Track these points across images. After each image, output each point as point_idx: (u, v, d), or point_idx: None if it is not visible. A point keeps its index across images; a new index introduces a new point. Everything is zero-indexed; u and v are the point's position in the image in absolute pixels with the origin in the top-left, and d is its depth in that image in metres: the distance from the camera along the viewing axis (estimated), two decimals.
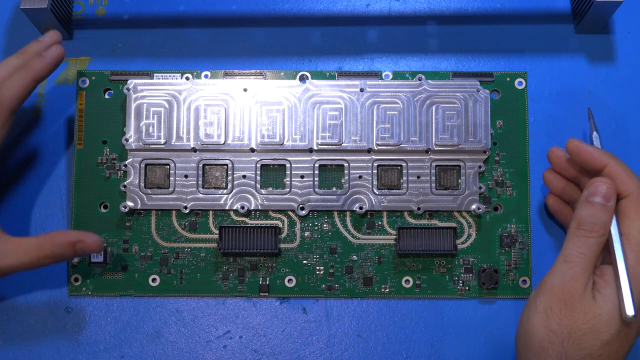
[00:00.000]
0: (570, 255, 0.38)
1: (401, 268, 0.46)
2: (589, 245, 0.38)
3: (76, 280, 0.46)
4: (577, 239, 0.39)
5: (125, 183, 0.46)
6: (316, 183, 0.46)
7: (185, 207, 0.46)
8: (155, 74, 0.47)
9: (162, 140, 0.46)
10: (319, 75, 0.47)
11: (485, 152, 0.46)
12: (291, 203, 0.46)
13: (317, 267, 0.46)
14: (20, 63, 0.43)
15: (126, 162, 0.46)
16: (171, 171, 0.46)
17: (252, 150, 0.46)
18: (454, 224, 0.46)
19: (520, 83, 0.47)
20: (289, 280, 0.46)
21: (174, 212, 0.46)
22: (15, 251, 0.41)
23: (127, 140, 0.46)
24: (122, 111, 0.47)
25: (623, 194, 0.39)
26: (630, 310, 0.36)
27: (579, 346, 0.37)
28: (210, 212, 0.46)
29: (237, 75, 0.47)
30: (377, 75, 0.47)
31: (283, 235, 0.46)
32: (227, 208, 0.46)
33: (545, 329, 0.37)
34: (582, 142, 0.41)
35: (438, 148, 0.46)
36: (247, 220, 0.46)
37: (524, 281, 0.46)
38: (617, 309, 0.37)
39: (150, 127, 0.46)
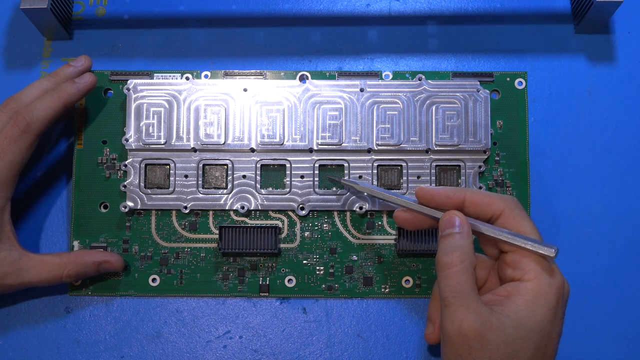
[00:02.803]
0: (447, 298, 0.36)
1: (401, 268, 0.46)
2: (456, 279, 0.36)
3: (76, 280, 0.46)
4: (444, 278, 0.36)
5: (125, 183, 0.46)
6: (316, 183, 0.46)
7: (185, 207, 0.46)
8: (155, 74, 0.47)
9: (162, 140, 0.46)
10: (319, 75, 0.47)
11: (485, 152, 0.46)
12: (291, 203, 0.46)
13: (317, 267, 0.46)
14: (51, 86, 0.44)
15: (126, 162, 0.46)
16: (171, 171, 0.46)
17: (252, 150, 0.46)
18: None
19: (520, 83, 0.47)
20: (289, 280, 0.46)
21: (174, 212, 0.46)
22: (37, 268, 0.43)
23: (127, 140, 0.46)
24: (122, 111, 0.47)
25: (495, 214, 0.38)
26: (551, 250, 0.36)
27: None
28: (210, 212, 0.46)
29: (237, 75, 0.47)
30: (377, 75, 0.47)
31: (283, 235, 0.46)
32: (227, 208, 0.46)
33: None
34: (431, 187, 0.40)
35: (438, 148, 0.46)
36: (247, 220, 0.46)
37: None
38: (522, 327, 0.35)
39: (150, 127, 0.46)
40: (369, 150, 0.46)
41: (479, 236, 0.39)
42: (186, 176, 0.46)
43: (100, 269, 0.45)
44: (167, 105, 0.46)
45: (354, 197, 0.46)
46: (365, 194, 0.45)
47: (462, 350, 0.35)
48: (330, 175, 0.46)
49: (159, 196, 0.46)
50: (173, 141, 0.46)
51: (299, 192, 0.46)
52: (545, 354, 0.36)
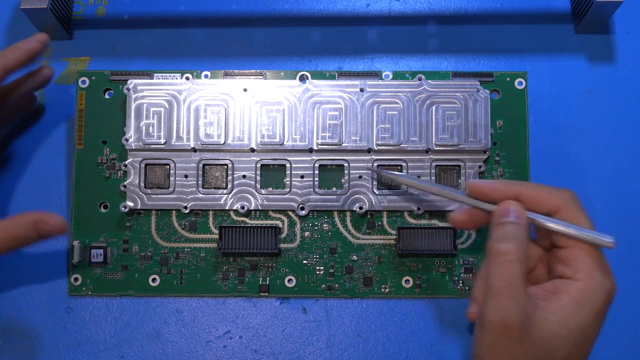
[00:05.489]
0: (496, 287, 0.35)
1: (401, 268, 0.46)
2: (510, 269, 0.35)
3: (76, 280, 0.46)
4: (497, 266, 0.35)
5: (125, 183, 0.46)
6: (316, 183, 0.46)
7: (185, 207, 0.46)
8: (155, 74, 0.47)
9: (162, 140, 0.46)
10: (319, 75, 0.47)
11: (485, 152, 0.46)
12: (291, 203, 0.46)
13: (317, 267, 0.46)
14: None
15: (126, 162, 0.46)
16: (171, 171, 0.46)
17: (252, 150, 0.46)
18: None
19: (520, 83, 0.47)
20: (289, 280, 0.46)
21: (174, 212, 0.46)
22: None
23: (127, 140, 0.46)
24: (122, 111, 0.47)
25: (552, 210, 0.37)
26: (609, 239, 0.36)
27: None
28: (210, 212, 0.46)
29: (237, 75, 0.47)
30: (377, 75, 0.47)
31: (283, 235, 0.46)
32: (227, 208, 0.46)
33: None
34: (483, 182, 0.39)
35: (438, 148, 0.46)
36: (247, 220, 0.46)
37: None
38: (564, 326, 0.35)
39: (150, 127, 0.46)
40: (369, 150, 0.46)
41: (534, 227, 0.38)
42: (186, 176, 0.46)
43: (40, 230, 0.40)
44: (167, 105, 0.46)
45: (354, 197, 0.46)
46: (409, 188, 0.44)
47: (500, 341, 0.35)
48: (375, 169, 0.45)
49: (159, 196, 0.46)
50: (173, 141, 0.46)
51: (299, 192, 0.46)
52: (580, 353, 0.36)
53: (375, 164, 0.46)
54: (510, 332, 0.34)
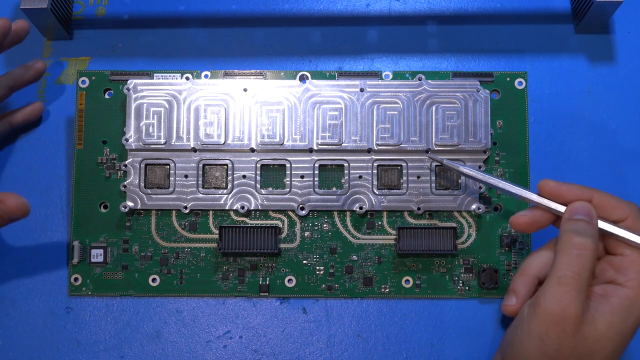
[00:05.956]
0: (565, 277, 0.36)
1: (401, 268, 0.46)
2: (582, 263, 0.36)
3: (76, 280, 0.46)
4: (572, 257, 0.37)
5: (125, 183, 0.46)
6: (316, 183, 0.46)
7: (185, 207, 0.46)
8: (155, 74, 0.47)
9: (162, 140, 0.46)
10: (319, 75, 0.47)
11: (485, 152, 0.46)
12: (291, 203, 0.46)
13: (317, 267, 0.46)
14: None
15: (126, 162, 0.46)
16: (171, 171, 0.46)
17: (252, 150, 0.46)
18: (454, 224, 0.46)
19: (520, 83, 0.47)
20: (289, 280, 0.46)
21: (174, 212, 0.46)
22: None
23: (127, 140, 0.46)
24: (122, 111, 0.47)
25: (620, 218, 0.39)
26: None
27: None
28: (210, 212, 0.46)
29: (237, 75, 0.47)
30: (377, 75, 0.47)
31: (283, 235, 0.46)
32: (227, 208, 0.46)
33: (540, 355, 0.36)
34: (557, 181, 0.40)
35: (438, 148, 0.46)
36: (247, 220, 0.46)
37: None
38: (612, 329, 0.36)
39: (150, 127, 0.46)
40: (369, 150, 0.46)
41: None
42: (186, 176, 0.46)
43: (1, 212, 0.38)
44: (167, 105, 0.46)
45: (354, 197, 0.46)
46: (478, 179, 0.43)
47: (552, 331, 0.36)
48: (447, 161, 0.44)
49: (159, 196, 0.46)
50: (173, 141, 0.46)
51: (299, 192, 0.46)
52: (615, 356, 0.37)
53: (376, 164, 0.46)
54: (566, 324, 0.35)
